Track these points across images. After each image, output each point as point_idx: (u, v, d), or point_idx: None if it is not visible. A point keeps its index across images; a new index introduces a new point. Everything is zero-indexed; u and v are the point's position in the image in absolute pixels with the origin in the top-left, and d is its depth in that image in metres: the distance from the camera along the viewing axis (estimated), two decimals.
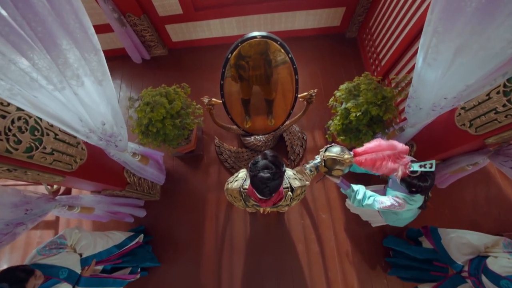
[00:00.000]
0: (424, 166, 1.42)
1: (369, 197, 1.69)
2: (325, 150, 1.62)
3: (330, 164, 1.58)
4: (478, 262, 1.70)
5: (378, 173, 1.44)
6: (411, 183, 1.51)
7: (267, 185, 1.16)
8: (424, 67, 1.27)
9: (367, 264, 2.53)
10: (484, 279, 1.60)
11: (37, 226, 2.90)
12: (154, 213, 2.80)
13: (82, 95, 1.16)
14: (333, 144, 1.69)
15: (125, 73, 3.50)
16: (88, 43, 0.98)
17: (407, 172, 1.49)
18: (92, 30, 1.01)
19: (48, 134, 1.43)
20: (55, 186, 2.88)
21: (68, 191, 2.91)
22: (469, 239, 1.81)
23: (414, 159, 1.62)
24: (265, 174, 1.15)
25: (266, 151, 1.25)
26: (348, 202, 2.53)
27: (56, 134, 1.48)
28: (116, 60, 3.53)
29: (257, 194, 1.28)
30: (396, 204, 1.59)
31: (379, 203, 1.63)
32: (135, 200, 2.66)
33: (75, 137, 1.63)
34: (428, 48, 1.15)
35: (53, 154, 1.45)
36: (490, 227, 2.62)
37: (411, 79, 2.25)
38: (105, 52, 3.77)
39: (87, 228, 2.78)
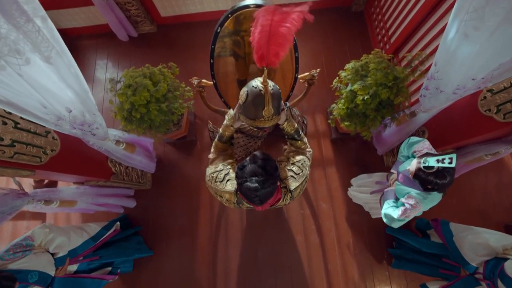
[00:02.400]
0: (442, 161, 1.19)
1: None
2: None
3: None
4: (495, 264, 1.53)
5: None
6: (426, 180, 1.28)
7: (256, 194, 0.98)
8: (457, 40, 1.01)
9: (368, 255, 2.43)
10: (500, 284, 1.45)
11: (24, 216, 2.80)
12: (145, 203, 2.66)
13: (33, 76, 0.94)
14: None
15: (111, 52, 3.23)
16: (13, 4, 0.73)
17: (421, 166, 1.29)
18: None
19: (5, 123, 1.22)
20: None
21: (54, 181, 2.74)
22: (486, 239, 1.63)
23: (431, 151, 1.42)
24: (252, 183, 0.96)
25: (255, 153, 1.05)
26: (351, 192, 2.37)
27: (16, 123, 1.27)
28: (101, 37, 3.26)
29: None
30: (409, 207, 1.38)
31: (395, 214, 1.44)
32: (124, 189, 2.50)
33: (42, 125, 1.42)
34: (467, 13, 0.89)
35: (14, 146, 1.26)
36: (500, 218, 2.49)
37: (425, 57, 2.02)
38: (88, 28, 3.39)
39: (76, 219, 2.64)
